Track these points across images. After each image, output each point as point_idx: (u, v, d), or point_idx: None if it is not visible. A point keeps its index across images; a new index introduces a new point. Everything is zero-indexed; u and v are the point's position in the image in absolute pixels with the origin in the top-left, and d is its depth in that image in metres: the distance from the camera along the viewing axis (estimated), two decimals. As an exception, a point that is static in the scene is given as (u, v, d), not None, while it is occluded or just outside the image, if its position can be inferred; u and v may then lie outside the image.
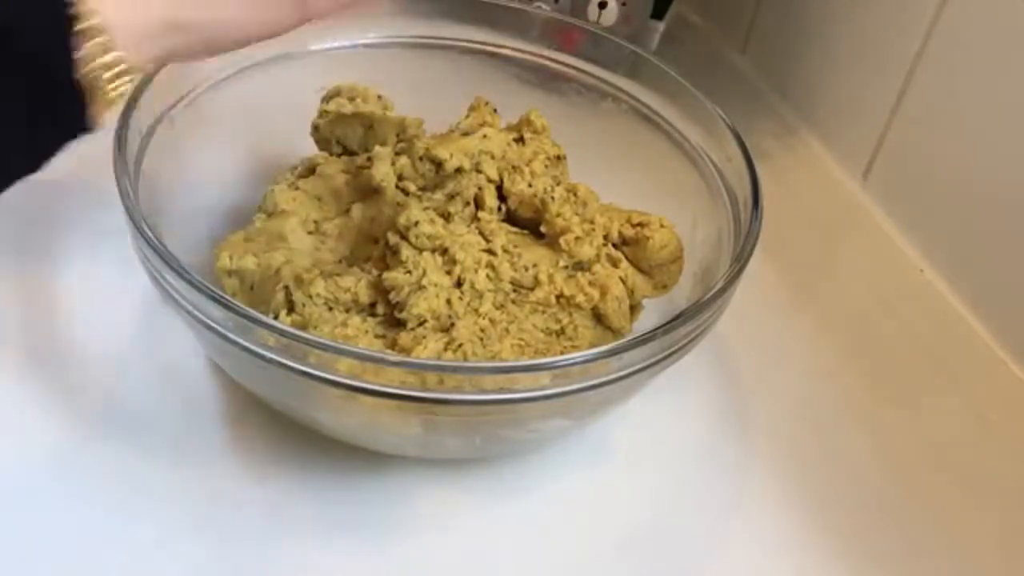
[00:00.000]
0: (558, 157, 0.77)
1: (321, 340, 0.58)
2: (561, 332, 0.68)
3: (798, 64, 1.04)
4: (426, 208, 0.69)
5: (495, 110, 0.79)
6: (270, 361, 0.57)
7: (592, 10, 0.97)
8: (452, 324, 0.66)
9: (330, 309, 0.66)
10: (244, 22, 0.59)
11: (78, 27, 0.51)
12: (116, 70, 0.53)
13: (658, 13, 1.00)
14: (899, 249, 0.91)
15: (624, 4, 0.97)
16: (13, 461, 0.65)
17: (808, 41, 1.02)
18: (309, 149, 0.79)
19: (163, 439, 0.67)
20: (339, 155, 0.77)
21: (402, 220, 0.67)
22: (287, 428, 0.68)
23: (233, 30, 0.59)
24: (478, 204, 0.72)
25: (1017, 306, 0.81)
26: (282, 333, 0.57)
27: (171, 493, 0.65)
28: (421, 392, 0.57)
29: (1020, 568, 0.68)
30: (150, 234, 0.60)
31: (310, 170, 0.76)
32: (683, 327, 0.61)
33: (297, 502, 0.65)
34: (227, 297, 0.58)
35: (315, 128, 0.78)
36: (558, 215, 0.72)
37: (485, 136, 0.73)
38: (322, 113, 0.77)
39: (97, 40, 0.52)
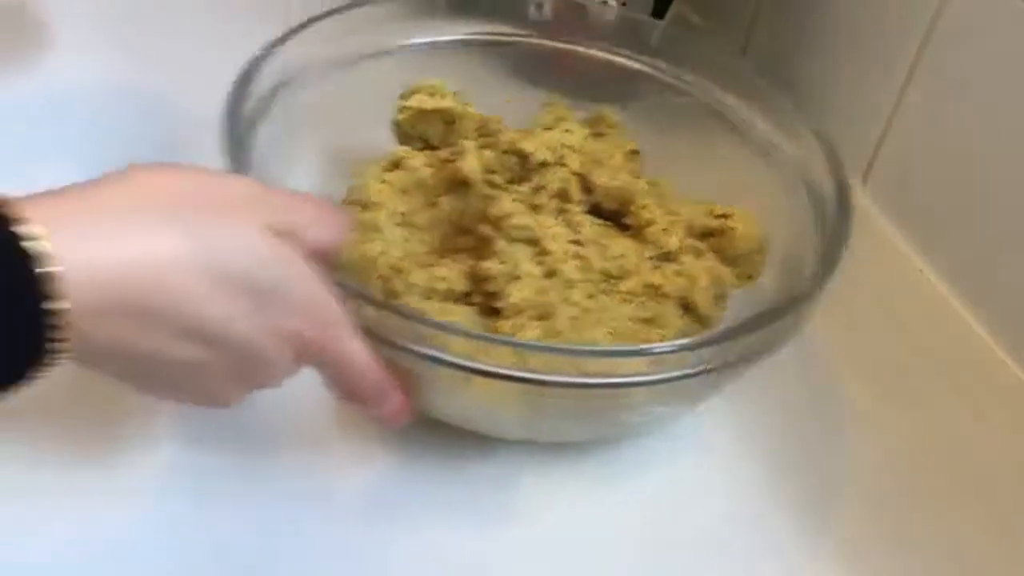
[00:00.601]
0: (633, 152, 0.80)
1: (440, 321, 0.61)
2: (651, 321, 0.70)
3: (798, 64, 1.05)
4: (516, 200, 0.70)
5: (569, 106, 0.81)
6: (383, 342, 0.59)
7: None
8: (549, 313, 0.67)
9: (427, 299, 0.68)
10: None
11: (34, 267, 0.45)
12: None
13: (658, 13, 1.02)
14: (899, 249, 0.93)
15: (624, 4, 0.98)
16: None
17: (808, 41, 1.04)
18: (381, 143, 0.81)
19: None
20: (420, 150, 0.79)
21: (495, 212, 0.69)
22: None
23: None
24: (563, 197, 0.74)
25: (1017, 306, 0.83)
26: (401, 314, 0.59)
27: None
28: (531, 374, 0.59)
29: (1019, 568, 0.69)
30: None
31: (394, 164, 0.77)
32: (780, 320, 0.63)
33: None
34: (343, 280, 0.59)
35: (396, 124, 0.80)
36: (643, 207, 0.74)
37: (567, 131, 0.75)
38: (403, 109, 0.79)
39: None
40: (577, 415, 0.66)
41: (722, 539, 0.68)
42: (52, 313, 0.45)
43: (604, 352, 0.62)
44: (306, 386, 0.66)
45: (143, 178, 0.51)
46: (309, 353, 0.55)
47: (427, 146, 0.80)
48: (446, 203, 0.74)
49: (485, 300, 0.69)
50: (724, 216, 0.75)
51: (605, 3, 0.99)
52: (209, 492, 0.65)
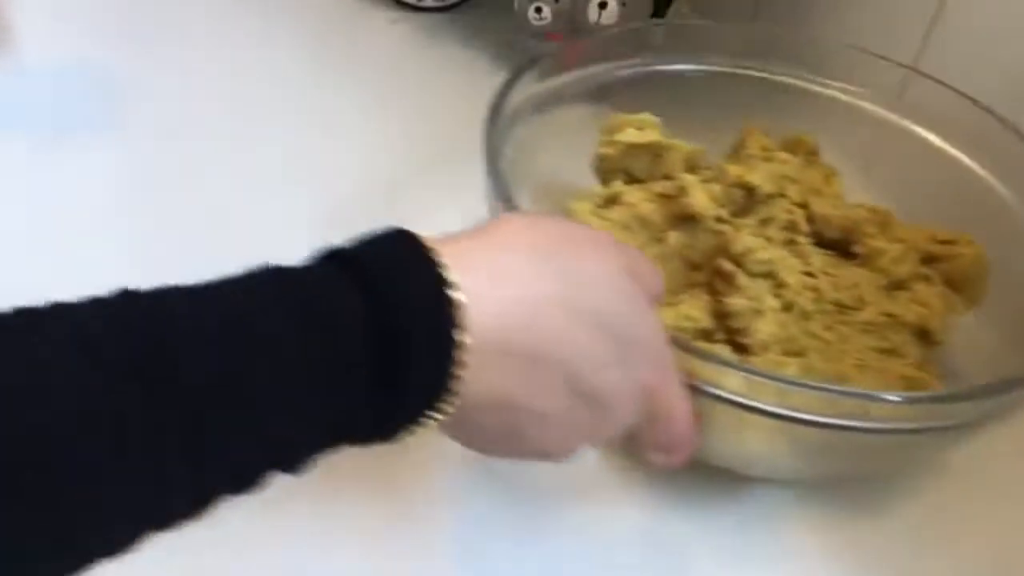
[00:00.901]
0: (833, 176, 0.79)
1: (739, 362, 0.60)
2: (891, 351, 0.69)
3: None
4: (756, 236, 0.69)
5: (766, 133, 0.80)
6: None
7: (592, 10, 0.99)
8: (797, 347, 0.67)
9: (676, 338, 0.67)
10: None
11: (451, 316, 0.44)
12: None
13: (658, 13, 1.01)
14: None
15: (624, 4, 0.98)
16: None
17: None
18: (573, 178, 0.80)
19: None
20: (627, 184, 0.78)
21: (738, 248, 0.68)
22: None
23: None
24: (791, 228, 0.73)
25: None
26: (704, 355, 0.58)
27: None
28: (830, 419, 0.57)
29: (1021, 569, 0.68)
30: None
31: (609, 200, 0.76)
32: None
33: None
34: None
35: (602, 159, 0.79)
36: (870, 235, 0.74)
37: (784, 161, 0.74)
38: (611, 144, 0.78)
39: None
40: (849, 456, 0.64)
41: None
42: (458, 345, 0.44)
43: (920, 399, 0.60)
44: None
45: (514, 223, 0.51)
46: (649, 403, 0.53)
47: (631, 180, 0.79)
48: (674, 238, 0.72)
49: (728, 336, 0.68)
50: (948, 242, 0.74)
51: (604, 5, 0.98)
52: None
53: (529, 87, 0.76)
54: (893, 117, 0.83)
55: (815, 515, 0.68)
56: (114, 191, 0.85)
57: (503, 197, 0.63)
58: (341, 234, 0.73)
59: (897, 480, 0.70)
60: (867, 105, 0.84)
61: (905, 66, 0.84)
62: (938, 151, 0.80)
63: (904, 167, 0.83)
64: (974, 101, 0.78)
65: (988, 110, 0.77)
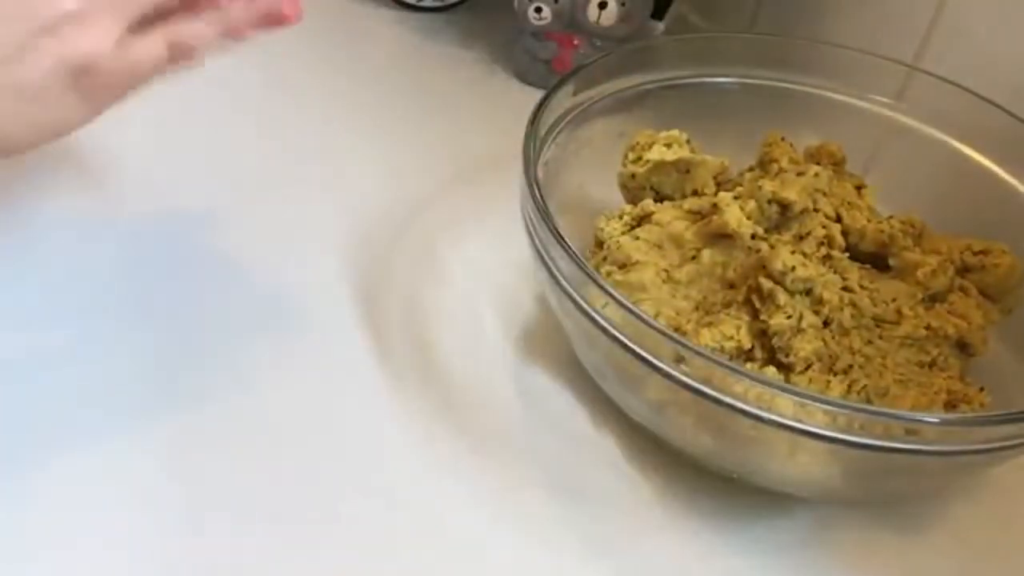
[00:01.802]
0: (861, 188, 0.78)
1: (767, 378, 0.60)
2: (932, 364, 0.69)
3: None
4: (793, 252, 0.69)
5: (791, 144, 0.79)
6: (719, 403, 0.58)
7: (592, 10, 0.99)
8: (838, 365, 0.66)
9: (716, 359, 0.66)
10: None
11: None
12: None
13: (658, 13, 1.02)
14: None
15: (623, 4, 0.98)
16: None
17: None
18: (599, 195, 0.79)
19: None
20: (658, 201, 0.77)
21: (778, 266, 0.67)
22: (687, 470, 0.68)
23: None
24: (828, 243, 0.72)
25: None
26: (753, 378, 0.57)
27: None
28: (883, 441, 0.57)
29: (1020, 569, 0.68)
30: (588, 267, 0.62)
31: (638, 219, 0.76)
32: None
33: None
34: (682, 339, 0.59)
35: (631, 176, 0.78)
36: (907, 248, 0.73)
37: (816, 175, 0.73)
38: (640, 162, 0.77)
39: None
40: (897, 475, 0.64)
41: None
42: None
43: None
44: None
45: None
46: None
47: (657, 197, 0.78)
48: (707, 257, 0.72)
49: (767, 355, 0.67)
50: (983, 252, 0.73)
51: (604, 5, 0.98)
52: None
53: (559, 103, 0.76)
54: (896, 117, 0.83)
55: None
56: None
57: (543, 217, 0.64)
58: (338, 230, 0.79)
59: (940, 496, 0.70)
60: (870, 107, 0.84)
61: (907, 65, 0.84)
62: (946, 149, 0.81)
63: (911, 167, 0.83)
64: (982, 98, 0.79)
65: (1001, 108, 0.78)
